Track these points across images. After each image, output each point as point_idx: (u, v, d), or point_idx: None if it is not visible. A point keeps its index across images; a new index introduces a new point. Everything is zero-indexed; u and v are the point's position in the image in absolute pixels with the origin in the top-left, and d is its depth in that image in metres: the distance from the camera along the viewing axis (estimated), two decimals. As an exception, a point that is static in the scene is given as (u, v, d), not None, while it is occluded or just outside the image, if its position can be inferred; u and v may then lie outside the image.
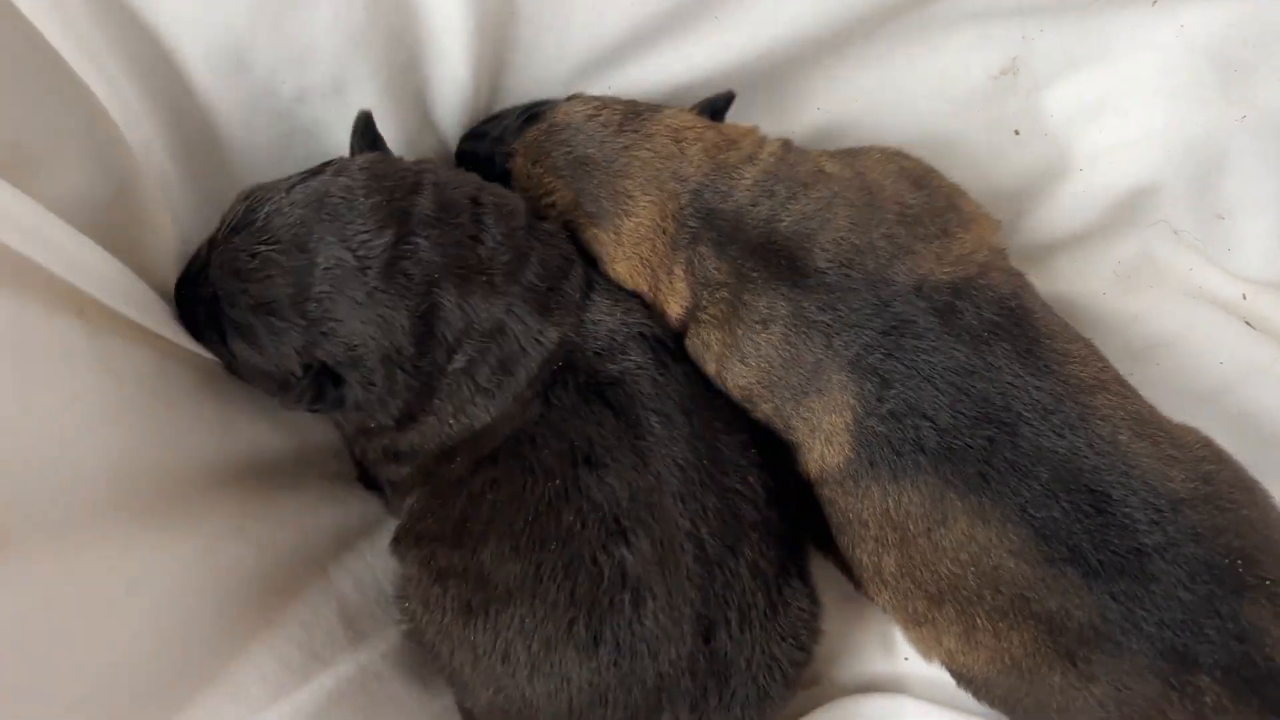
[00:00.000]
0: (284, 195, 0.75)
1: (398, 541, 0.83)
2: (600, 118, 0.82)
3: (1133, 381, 0.81)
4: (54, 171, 0.70)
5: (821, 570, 0.87)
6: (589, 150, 0.81)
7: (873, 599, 0.82)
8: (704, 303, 0.79)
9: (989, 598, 0.73)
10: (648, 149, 0.80)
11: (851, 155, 0.85)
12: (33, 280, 0.66)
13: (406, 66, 0.88)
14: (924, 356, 0.75)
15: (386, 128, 0.86)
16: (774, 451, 0.82)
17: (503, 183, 0.85)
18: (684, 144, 0.81)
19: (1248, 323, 1.02)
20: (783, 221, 0.78)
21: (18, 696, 0.61)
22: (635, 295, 0.83)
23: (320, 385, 0.75)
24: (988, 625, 0.74)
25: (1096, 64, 1.01)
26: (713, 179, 0.80)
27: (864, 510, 0.77)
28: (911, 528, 0.75)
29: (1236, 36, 0.95)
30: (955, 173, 1.04)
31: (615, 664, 0.71)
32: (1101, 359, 0.80)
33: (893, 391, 0.75)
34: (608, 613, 0.71)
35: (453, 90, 0.90)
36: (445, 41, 0.87)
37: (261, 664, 0.77)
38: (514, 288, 0.77)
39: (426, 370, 0.76)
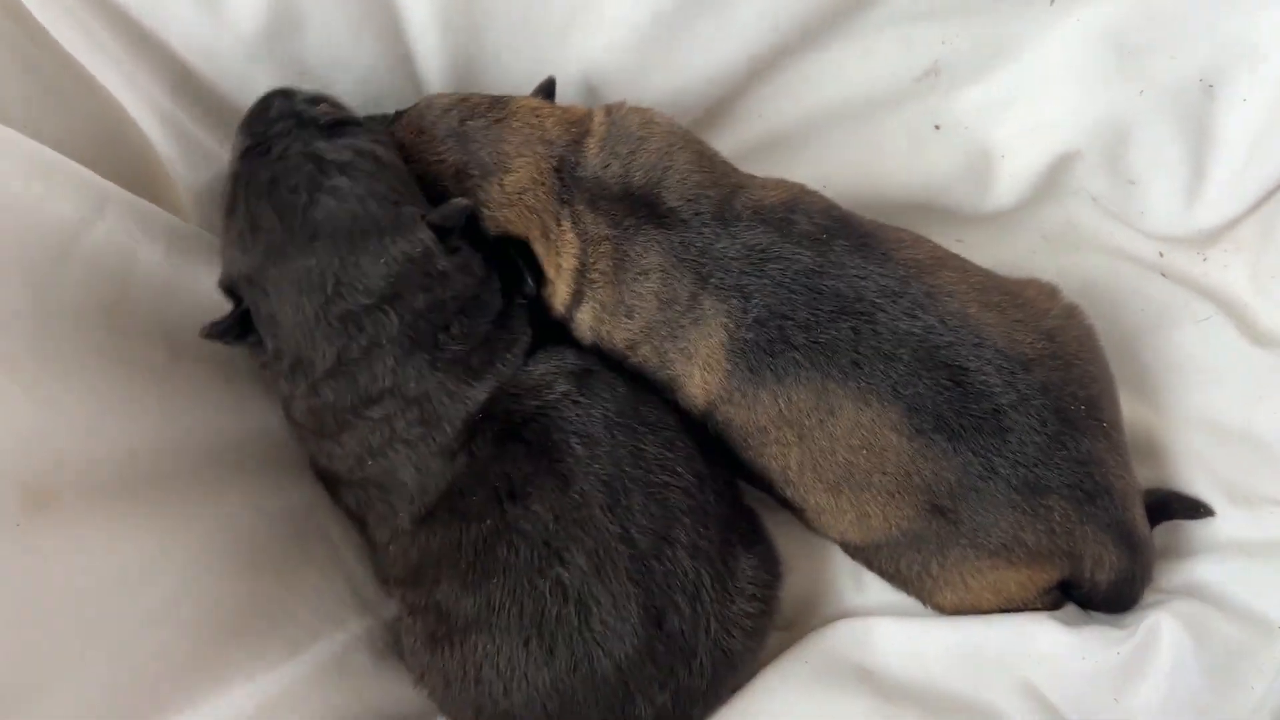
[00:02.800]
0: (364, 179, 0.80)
1: (381, 581, 0.91)
2: (469, 102, 0.93)
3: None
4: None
5: (782, 524, 0.95)
6: (467, 124, 0.91)
7: (785, 498, 0.91)
8: (591, 258, 0.89)
9: (878, 481, 0.83)
10: (516, 121, 0.91)
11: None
12: (75, 279, 0.75)
13: (389, 85, 0.99)
14: (772, 266, 0.85)
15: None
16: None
17: None
18: (541, 118, 0.92)
19: (1163, 274, 1.12)
20: (634, 176, 0.89)
21: (64, 643, 0.67)
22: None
23: (244, 325, 0.80)
24: (878, 510, 0.84)
25: (1008, 60, 1.10)
26: (569, 149, 0.90)
27: (760, 418, 0.86)
28: (806, 422, 0.84)
29: (1127, 23, 1.05)
30: (884, 166, 1.14)
31: (574, 669, 0.78)
32: (930, 241, 0.90)
33: (754, 302, 0.84)
34: (556, 627, 0.78)
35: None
36: (418, 69, 0.99)
37: (280, 624, 0.84)
38: (455, 368, 0.82)
39: (334, 403, 0.80)
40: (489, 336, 0.84)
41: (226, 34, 0.87)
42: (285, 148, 0.80)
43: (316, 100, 0.86)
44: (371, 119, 0.95)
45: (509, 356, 0.85)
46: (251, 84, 0.92)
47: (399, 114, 0.95)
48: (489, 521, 0.80)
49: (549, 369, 0.86)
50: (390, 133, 0.93)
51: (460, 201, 0.85)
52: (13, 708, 0.63)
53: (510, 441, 0.82)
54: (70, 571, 0.68)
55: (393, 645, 0.92)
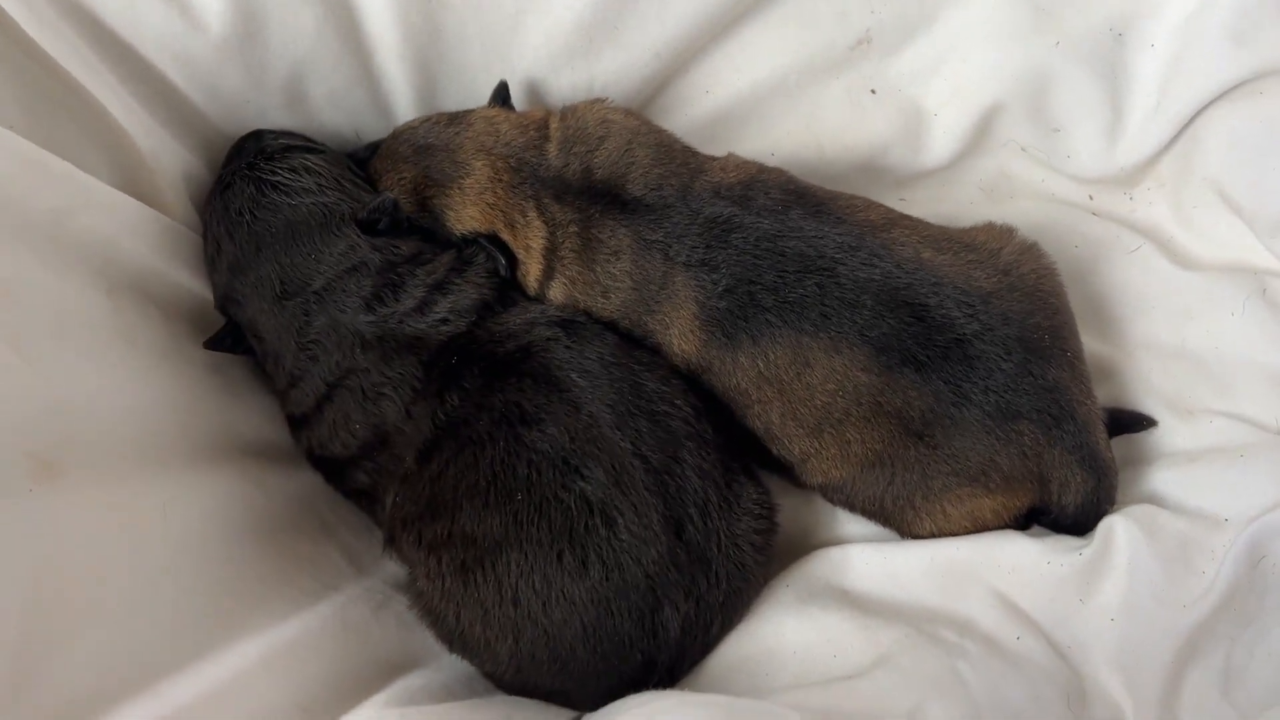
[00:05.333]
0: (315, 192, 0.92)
1: (390, 540, 0.91)
2: (431, 119, 1.01)
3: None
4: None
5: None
6: (429, 140, 0.99)
7: (772, 455, 0.95)
8: (560, 238, 0.95)
9: (855, 411, 0.88)
10: (471, 131, 0.98)
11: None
12: (70, 261, 0.80)
13: (351, 82, 1.04)
14: (735, 236, 0.91)
15: (338, 131, 1.03)
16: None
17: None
18: (496, 124, 0.99)
19: (1094, 214, 1.19)
20: (595, 173, 0.95)
21: (79, 598, 0.71)
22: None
23: (236, 337, 0.93)
24: (857, 435, 0.89)
25: (932, 24, 1.16)
26: (528, 151, 0.97)
27: (740, 381, 0.91)
28: (784, 377, 0.89)
29: (1038, -18, 1.13)
30: (826, 131, 1.19)
31: (607, 578, 0.80)
32: (883, 205, 0.96)
33: (722, 272, 0.90)
34: (586, 537, 0.80)
35: (391, 100, 1.07)
36: (380, 61, 1.03)
37: (279, 587, 0.88)
38: (399, 328, 0.89)
39: (310, 385, 0.89)
40: (426, 300, 0.90)
41: (196, 37, 0.92)
42: (235, 179, 0.93)
43: (281, 136, 0.96)
44: (352, 153, 1.04)
45: (452, 314, 0.90)
46: (221, 87, 0.97)
47: (376, 145, 1.03)
48: (502, 444, 0.83)
49: (526, 319, 0.91)
50: (370, 162, 1.02)
51: (384, 195, 0.94)
52: (38, 657, 0.66)
53: (508, 376, 0.86)
54: (81, 533, 0.72)
55: (389, 600, 0.95)
